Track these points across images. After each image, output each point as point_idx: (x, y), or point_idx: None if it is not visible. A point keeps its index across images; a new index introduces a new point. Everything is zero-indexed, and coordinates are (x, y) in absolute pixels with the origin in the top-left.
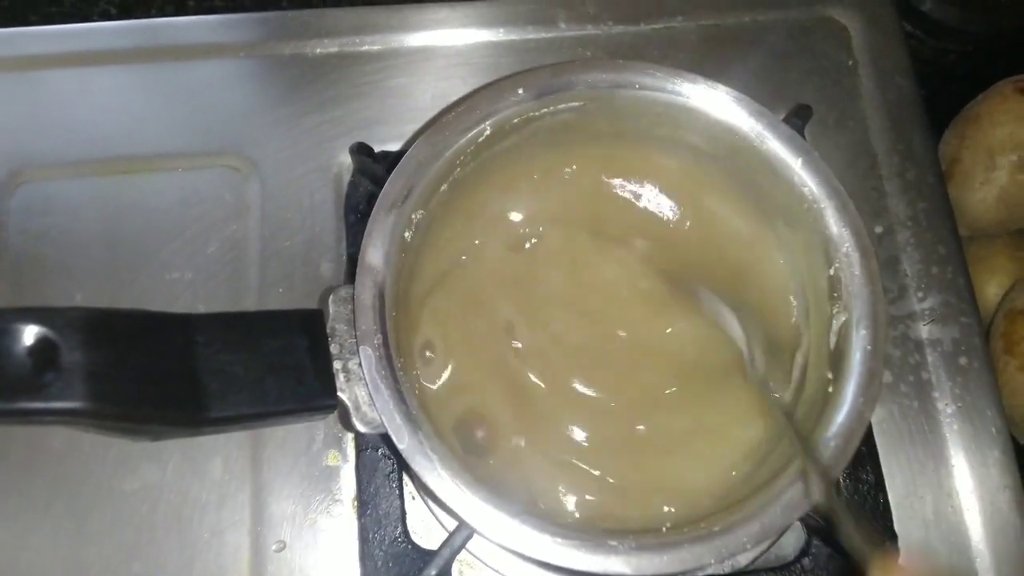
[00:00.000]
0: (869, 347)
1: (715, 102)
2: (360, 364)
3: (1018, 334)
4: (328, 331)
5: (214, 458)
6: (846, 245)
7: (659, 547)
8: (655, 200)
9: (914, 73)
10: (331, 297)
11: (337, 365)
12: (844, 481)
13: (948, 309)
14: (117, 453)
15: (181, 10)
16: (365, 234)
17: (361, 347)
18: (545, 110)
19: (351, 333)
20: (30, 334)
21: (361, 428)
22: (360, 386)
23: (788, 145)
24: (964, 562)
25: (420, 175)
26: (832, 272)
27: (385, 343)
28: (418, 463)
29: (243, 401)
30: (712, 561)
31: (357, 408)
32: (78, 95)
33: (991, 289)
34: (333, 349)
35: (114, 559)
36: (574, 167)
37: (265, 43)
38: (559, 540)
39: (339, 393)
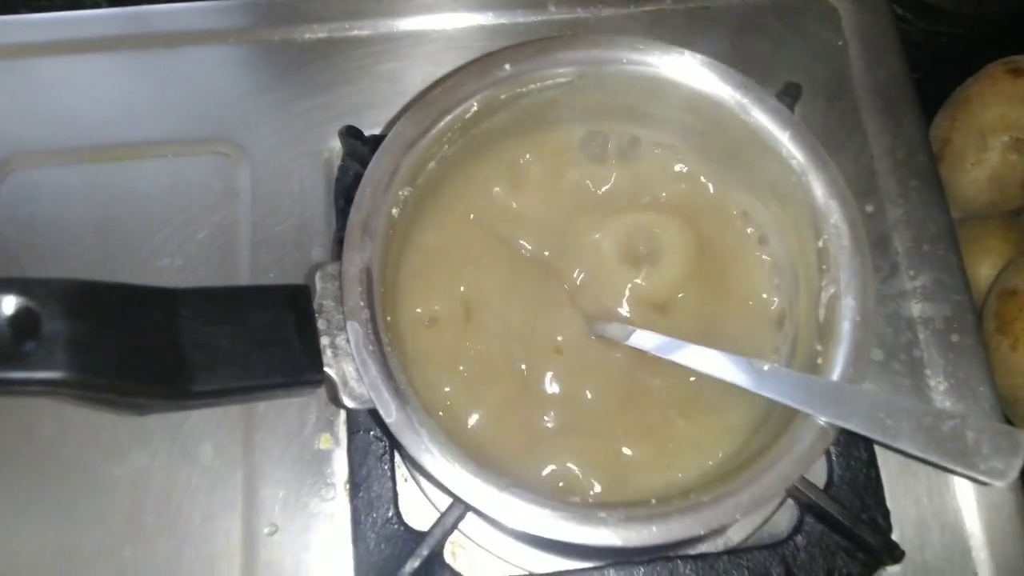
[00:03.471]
0: (858, 318)
1: (702, 75)
2: (348, 340)
3: (1011, 314)
4: (316, 307)
5: (205, 443)
6: (834, 217)
7: (648, 518)
8: (643, 174)
9: (903, 53)
10: (318, 273)
11: (325, 341)
12: (837, 458)
13: (940, 287)
14: (107, 438)
15: (169, 0)
16: (351, 210)
17: (348, 323)
18: (532, 86)
19: (338, 309)
20: (9, 304)
21: (349, 403)
22: (348, 362)
23: (775, 117)
24: (957, 538)
25: (406, 152)
26: (821, 244)
27: (372, 319)
28: (406, 437)
29: (229, 374)
30: (701, 531)
31: (345, 383)
32: (67, 83)
33: (983, 270)
34: (321, 325)
35: (104, 544)
36: (562, 142)
37: (254, 29)
38: (547, 511)
39: (327, 369)
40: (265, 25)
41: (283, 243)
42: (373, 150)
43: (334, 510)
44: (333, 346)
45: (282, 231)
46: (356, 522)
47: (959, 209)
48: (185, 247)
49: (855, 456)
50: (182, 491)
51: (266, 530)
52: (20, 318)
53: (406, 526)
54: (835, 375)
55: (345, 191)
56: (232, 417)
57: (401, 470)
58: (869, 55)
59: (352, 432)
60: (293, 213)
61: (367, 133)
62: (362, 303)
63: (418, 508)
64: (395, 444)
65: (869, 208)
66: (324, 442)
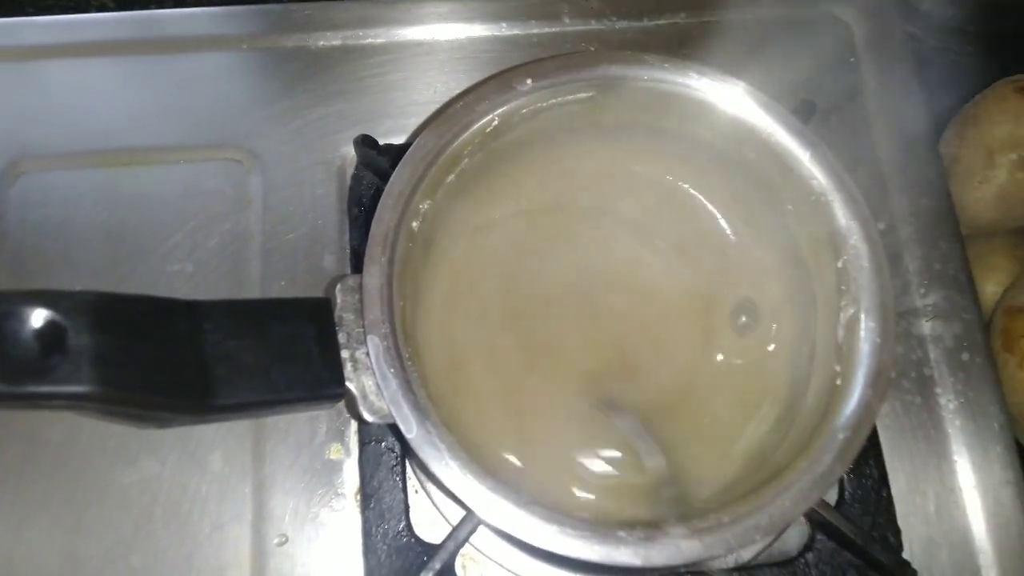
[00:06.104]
0: (878, 340)
1: (725, 95)
2: (368, 353)
3: (1017, 331)
4: (336, 320)
5: (215, 451)
6: (854, 237)
7: (668, 538)
8: (663, 193)
9: (915, 69)
10: (339, 286)
11: (344, 354)
12: (848, 475)
13: (950, 305)
14: (116, 445)
15: (180, 5)
16: (372, 223)
17: (369, 336)
18: (553, 101)
19: (359, 322)
20: (37, 317)
21: (369, 417)
22: (368, 375)
23: (797, 138)
24: (966, 558)
25: (427, 165)
26: (840, 264)
27: (393, 333)
28: (426, 452)
29: (250, 388)
30: (722, 552)
31: (364, 397)
32: (78, 86)
33: (990, 287)
34: (341, 338)
35: (112, 552)
36: (581, 159)
37: (267, 35)
38: (567, 530)
39: (347, 382)
40: (278, 31)
41: (294, 251)
42: (387, 159)
43: (344, 521)
44: (353, 360)
45: (294, 239)
46: (367, 534)
47: (966, 226)
48: (196, 254)
49: (866, 474)
50: (191, 499)
51: (276, 540)
52: (47, 331)
53: (417, 538)
54: (854, 397)
55: (358, 200)
56: (242, 425)
57: (412, 482)
58: (881, 71)
59: (364, 443)
60: (305, 221)
61: (380, 142)
62: (382, 317)
63: (429, 520)
64: (411, 457)
65: (880, 226)
66: (335, 452)
